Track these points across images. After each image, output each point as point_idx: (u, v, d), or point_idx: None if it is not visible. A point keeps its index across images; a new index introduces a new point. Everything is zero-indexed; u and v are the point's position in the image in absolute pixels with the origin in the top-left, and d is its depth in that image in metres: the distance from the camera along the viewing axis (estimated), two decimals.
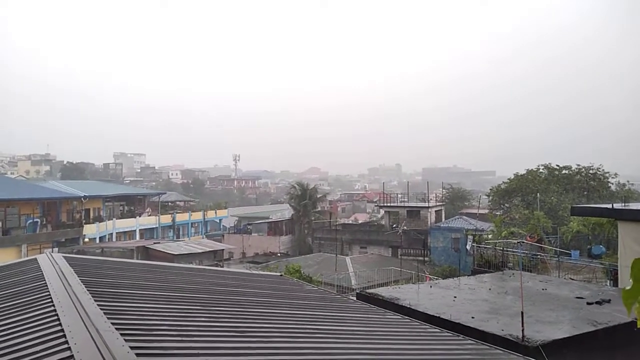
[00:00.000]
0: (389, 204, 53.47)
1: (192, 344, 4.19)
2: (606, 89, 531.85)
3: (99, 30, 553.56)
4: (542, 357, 7.49)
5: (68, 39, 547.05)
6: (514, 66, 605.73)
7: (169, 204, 66.49)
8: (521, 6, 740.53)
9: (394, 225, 47.64)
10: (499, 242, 23.92)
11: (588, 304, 11.00)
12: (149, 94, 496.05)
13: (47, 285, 5.99)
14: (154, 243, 38.24)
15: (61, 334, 3.87)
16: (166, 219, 57.28)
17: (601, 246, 25.96)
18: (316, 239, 52.38)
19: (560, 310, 10.54)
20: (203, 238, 53.33)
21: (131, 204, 58.13)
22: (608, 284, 17.96)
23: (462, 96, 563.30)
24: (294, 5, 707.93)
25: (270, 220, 63.21)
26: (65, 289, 5.56)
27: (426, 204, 49.69)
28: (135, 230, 51.78)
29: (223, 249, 40.40)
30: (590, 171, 43.34)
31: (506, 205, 44.39)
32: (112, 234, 47.88)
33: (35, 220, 40.49)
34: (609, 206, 16.95)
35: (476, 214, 47.14)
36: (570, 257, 25.11)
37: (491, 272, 17.89)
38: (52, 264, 7.59)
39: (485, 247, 24.18)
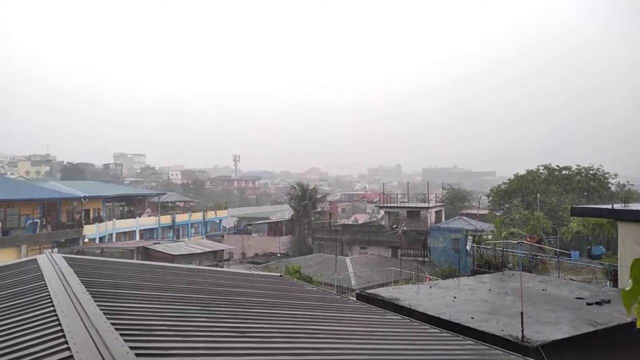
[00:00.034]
0: (389, 205, 53.49)
1: (192, 344, 4.19)
2: (606, 89, 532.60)
3: (99, 30, 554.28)
4: (542, 357, 7.49)
5: (68, 39, 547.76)
6: (514, 66, 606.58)
7: (169, 204, 66.50)
8: (521, 6, 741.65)
9: (394, 226, 47.64)
10: (499, 242, 23.92)
11: (588, 304, 11.00)
12: (149, 94, 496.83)
13: (46, 286, 5.99)
14: (154, 243, 38.23)
15: (61, 334, 3.87)
16: (166, 220, 57.29)
17: (601, 247, 25.96)
18: (316, 240, 52.38)
19: (560, 310, 10.54)
20: (203, 238, 53.30)
21: (131, 205, 58.14)
22: (608, 285, 17.97)
23: (462, 96, 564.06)
24: (294, 6, 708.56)
25: (270, 220, 63.20)
26: (65, 289, 5.56)
27: (426, 205, 49.72)
28: (135, 231, 51.77)
29: (223, 250, 40.38)
30: (590, 172, 43.34)
31: (506, 205, 44.39)
32: (112, 234, 47.87)
33: (35, 220, 40.49)
34: (609, 207, 16.96)
35: (476, 214, 47.15)
36: (570, 257, 25.11)
37: (491, 272, 17.90)
38: (52, 264, 7.59)
39: (485, 248, 24.19)
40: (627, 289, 2.01)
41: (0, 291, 6.26)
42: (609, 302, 11.06)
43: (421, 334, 7.18)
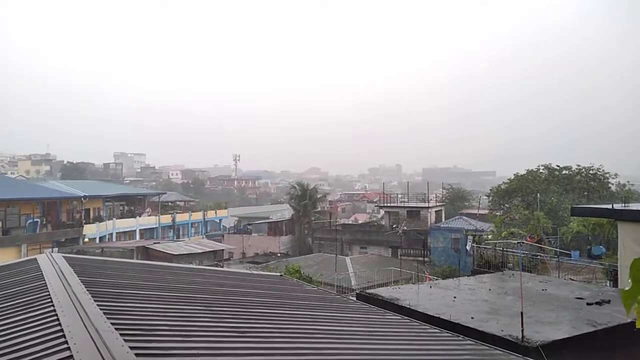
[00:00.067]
0: (389, 204, 53.49)
1: (192, 344, 4.19)
2: (606, 89, 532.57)
3: (99, 30, 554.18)
4: (542, 357, 7.49)
5: (68, 39, 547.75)
6: (514, 66, 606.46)
7: (169, 204, 66.49)
8: (521, 6, 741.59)
9: (394, 226, 47.65)
10: (499, 242, 23.93)
11: (588, 304, 11.00)
12: (149, 94, 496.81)
13: (46, 285, 5.99)
14: (154, 243, 38.24)
15: (61, 334, 3.87)
16: (166, 219, 57.29)
17: (601, 247, 25.96)
18: (316, 239, 52.38)
19: (560, 310, 10.54)
20: (203, 238, 53.32)
21: (131, 204, 58.14)
22: (608, 285, 17.98)
23: (462, 96, 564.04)
24: (294, 6, 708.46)
25: (270, 220, 63.22)
26: (65, 289, 5.56)
27: (426, 204, 49.71)
28: (135, 230, 51.78)
29: (223, 249, 40.39)
30: (591, 171, 43.34)
31: (506, 205, 44.38)
32: (112, 234, 47.88)
33: (35, 220, 40.49)
34: (609, 207, 16.96)
35: (476, 214, 47.16)
36: (570, 257, 25.11)
37: (491, 272, 17.91)
38: (52, 264, 7.59)
39: (485, 248, 24.20)
40: (627, 288, 2.00)
41: (0, 291, 6.26)
42: (609, 302, 11.05)
43: (421, 334, 7.18)
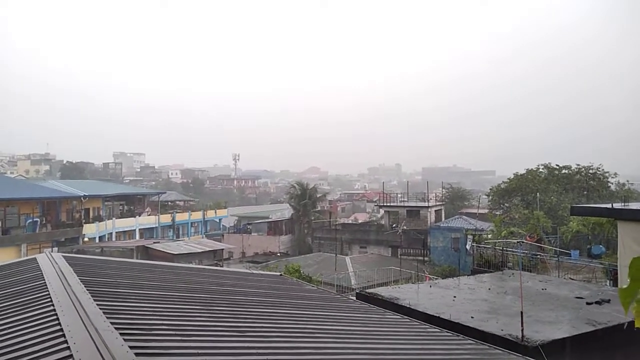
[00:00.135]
0: (388, 204, 53.49)
1: (192, 344, 4.19)
2: (606, 89, 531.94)
3: (99, 30, 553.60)
4: (542, 357, 7.49)
5: (68, 39, 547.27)
6: (514, 66, 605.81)
7: (169, 203, 66.47)
8: (521, 6, 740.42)
9: (394, 225, 47.65)
10: (499, 241, 23.92)
11: (587, 304, 11.00)
12: (149, 94, 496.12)
13: (46, 285, 5.99)
14: (154, 242, 38.24)
15: (60, 333, 3.87)
16: (166, 219, 57.27)
17: (601, 246, 25.94)
18: (316, 239, 52.38)
19: (559, 310, 10.54)
20: (203, 238, 53.30)
21: (131, 204, 58.12)
22: (608, 284, 17.97)
23: (462, 96, 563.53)
24: (294, 5, 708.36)
25: (270, 219, 63.22)
26: (65, 288, 5.56)
27: (426, 204, 49.70)
28: (135, 230, 51.78)
29: (223, 249, 40.41)
30: (590, 171, 43.33)
31: (506, 205, 44.37)
32: (111, 233, 47.87)
33: (34, 219, 40.48)
34: (609, 206, 16.94)
35: (476, 213, 47.16)
36: (570, 257, 25.09)
37: (491, 272, 17.91)
38: (52, 263, 7.59)
39: (484, 247, 24.19)
40: (624, 287, 2.00)
41: (0, 290, 6.26)
42: (608, 301, 11.06)
43: (421, 334, 7.18)
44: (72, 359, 3.33)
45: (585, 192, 41.84)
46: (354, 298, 11.79)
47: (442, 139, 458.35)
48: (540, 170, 45.02)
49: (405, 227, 45.48)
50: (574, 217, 28.88)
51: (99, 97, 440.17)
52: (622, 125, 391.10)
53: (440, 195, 63.88)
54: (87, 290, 5.44)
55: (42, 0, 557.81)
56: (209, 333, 4.76)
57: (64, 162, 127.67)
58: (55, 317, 4.38)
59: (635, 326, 2.10)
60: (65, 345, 3.57)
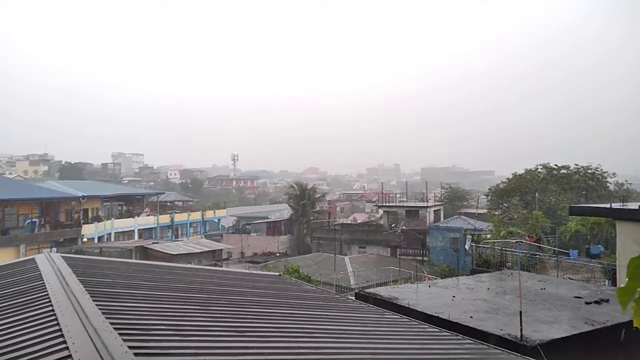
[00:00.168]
0: (387, 204, 53.49)
1: (191, 344, 4.19)
2: (606, 90, 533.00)
3: (98, 30, 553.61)
4: (541, 356, 7.50)
5: (68, 39, 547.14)
6: (514, 66, 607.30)
7: (168, 203, 66.40)
8: (521, 6, 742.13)
9: (393, 225, 47.65)
10: (498, 241, 23.93)
11: (586, 303, 11.01)
12: (148, 94, 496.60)
13: (45, 285, 5.99)
14: (153, 243, 38.19)
15: (59, 333, 3.86)
16: (165, 219, 57.20)
17: (600, 246, 25.96)
18: (315, 239, 52.36)
19: (558, 309, 10.55)
20: (202, 238, 53.27)
21: (129, 204, 58.05)
22: (606, 284, 17.99)
23: (462, 96, 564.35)
24: (294, 5, 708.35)
25: (269, 220, 63.20)
26: (64, 288, 5.56)
27: (425, 204, 49.72)
28: (133, 230, 51.71)
29: (222, 249, 40.38)
30: (589, 171, 43.38)
31: (505, 205, 44.41)
32: (110, 234, 47.81)
33: (33, 220, 40.44)
34: (608, 206, 16.95)
35: (475, 213, 47.17)
36: (569, 256, 25.09)
37: (490, 271, 17.91)
38: (51, 263, 7.58)
39: (483, 247, 24.20)
40: (622, 286, 2.00)
41: None
42: (607, 301, 11.07)
43: (420, 333, 7.18)
44: (71, 359, 3.32)
45: (584, 192, 41.87)
46: (353, 298, 11.79)
47: (441, 139, 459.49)
48: (539, 170, 45.07)
49: (404, 227, 45.49)
50: (573, 217, 28.92)
51: (98, 98, 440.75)
52: (622, 126, 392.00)
53: (439, 195, 63.88)
54: (86, 290, 5.43)
55: (42, 0, 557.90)
56: (208, 333, 4.76)
57: (63, 162, 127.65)
58: (54, 317, 4.38)
59: (634, 325, 2.11)
60: (64, 346, 3.56)
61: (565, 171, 44.39)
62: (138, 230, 52.30)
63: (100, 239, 45.46)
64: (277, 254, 49.61)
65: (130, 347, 3.52)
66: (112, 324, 4.07)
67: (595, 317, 9.79)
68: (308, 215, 55.89)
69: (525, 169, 45.04)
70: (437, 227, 44.87)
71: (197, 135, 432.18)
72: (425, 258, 42.24)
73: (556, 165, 45.33)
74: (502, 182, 47.35)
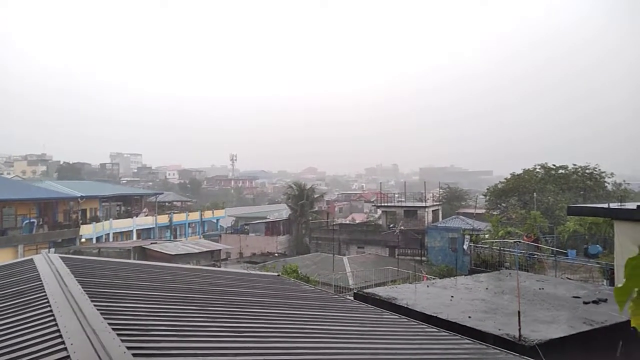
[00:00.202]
0: (386, 204, 53.51)
1: (189, 344, 4.19)
2: (606, 90, 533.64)
3: (98, 30, 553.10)
4: (539, 356, 7.51)
5: (68, 39, 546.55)
6: (514, 67, 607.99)
7: (166, 204, 66.32)
8: (521, 6, 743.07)
9: (391, 225, 47.67)
10: (496, 241, 23.96)
11: (585, 303, 11.03)
12: (148, 94, 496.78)
13: (43, 286, 5.98)
14: (151, 243, 38.15)
15: (57, 334, 3.86)
16: (163, 219, 57.15)
17: (598, 245, 26.03)
18: (313, 239, 52.36)
19: (557, 309, 10.56)
20: (200, 238, 53.25)
21: (128, 204, 58.00)
22: (605, 284, 18.03)
23: (461, 96, 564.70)
24: (294, 5, 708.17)
25: (267, 220, 63.16)
26: (62, 289, 5.55)
27: (423, 204, 49.76)
28: (132, 231, 51.66)
29: (220, 249, 40.34)
30: (587, 171, 43.44)
31: (503, 205, 44.44)
32: (108, 234, 47.76)
33: (31, 220, 40.39)
34: (606, 206, 16.97)
35: (473, 213, 47.15)
36: (567, 256, 25.15)
37: (488, 271, 17.94)
38: (49, 264, 7.57)
39: (482, 247, 24.24)
40: (620, 286, 2.00)
41: None
42: (605, 300, 11.09)
43: (418, 333, 7.18)
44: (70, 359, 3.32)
45: (582, 192, 41.92)
46: (352, 298, 11.79)
47: (440, 139, 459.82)
48: (537, 170, 45.11)
49: (402, 227, 45.51)
50: (571, 216, 28.96)
51: (98, 98, 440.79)
52: (621, 126, 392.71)
53: (438, 195, 63.87)
54: (84, 291, 5.43)
55: (42, 0, 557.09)
56: (206, 333, 4.76)
57: (61, 162, 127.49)
58: (52, 318, 4.37)
59: (631, 325, 2.11)
60: (62, 347, 3.56)
61: (563, 171, 44.43)
62: (136, 230, 52.25)
63: (98, 239, 45.41)
64: (276, 254, 49.60)
65: (129, 348, 3.52)
66: (110, 324, 4.07)
67: (593, 316, 9.81)
68: (306, 216, 55.90)
69: (524, 169, 45.09)
70: (435, 227, 44.89)
71: (196, 135, 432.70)
72: (423, 258, 42.26)
73: (554, 165, 45.38)
74: (500, 182, 47.37)
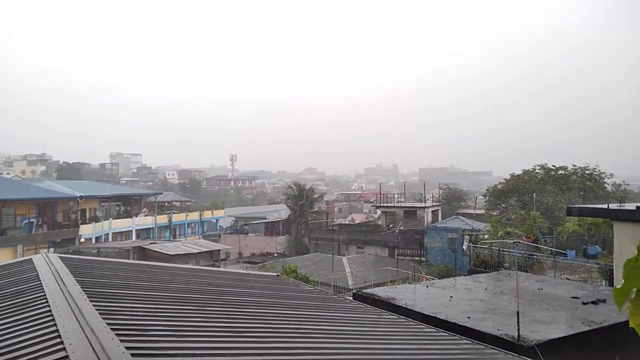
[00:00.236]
0: (385, 204, 53.49)
1: (188, 344, 4.19)
2: (606, 90, 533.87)
3: (98, 30, 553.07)
4: (538, 356, 7.51)
5: (68, 39, 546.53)
6: (514, 67, 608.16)
7: (166, 204, 66.30)
8: (521, 7, 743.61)
9: (391, 226, 47.67)
10: (495, 242, 23.98)
11: (584, 303, 11.04)
12: (147, 94, 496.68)
13: (42, 286, 5.97)
14: (151, 243, 38.14)
15: (56, 334, 3.86)
16: (162, 219, 57.12)
17: (597, 246, 26.05)
18: (313, 239, 52.34)
19: (556, 310, 10.57)
20: (200, 238, 53.23)
21: (127, 204, 57.96)
22: (604, 284, 18.03)
23: (461, 97, 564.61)
24: (294, 5, 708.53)
25: (267, 220, 63.14)
26: (61, 289, 5.55)
27: (423, 204, 49.73)
28: (131, 231, 51.63)
29: (220, 249, 40.34)
30: (586, 172, 43.48)
31: (502, 205, 44.46)
32: (108, 234, 47.75)
33: (31, 220, 40.36)
34: (605, 206, 16.99)
35: (472, 214, 47.17)
36: (566, 257, 25.16)
37: (487, 272, 17.96)
38: (48, 264, 7.57)
39: (481, 247, 24.25)
40: (618, 286, 2.01)
41: None
42: (604, 301, 11.10)
43: (418, 334, 7.19)
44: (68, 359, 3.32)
45: (581, 193, 41.97)
46: (351, 298, 11.79)
47: (441, 140, 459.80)
48: (537, 171, 45.14)
49: (402, 228, 45.51)
50: (570, 217, 28.97)
51: (97, 98, 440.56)
52: (621, 126, 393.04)
53: (437, 195, 63.91)
54: (83, 291, 5.43)
55: (42, 0, 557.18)
56: (205, 333, 4.76)
57: (61, 162, 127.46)
58: (51, 318, 4.37)
59: (630, 325, 2.11)
60: (61, 347, 3.56)
61: (562, 172, 44.47)
62: (136, 230, 52.23)
63: (97, 239, 45.39)
64: (275, 255, 49.60)
65: (128, 348, 3.52)
66: (109, 324, 4.07)
67: (592, 317, 9.82)
68: (306, 216, 55.89)
69: (523, 170, 45.11)
70: (434, 228, 44.89)
71: (196, 135, 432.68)
72: (423, 258, 42.27)
73: (554, 165, 45.43)
74: (499, 182, 47.38)
